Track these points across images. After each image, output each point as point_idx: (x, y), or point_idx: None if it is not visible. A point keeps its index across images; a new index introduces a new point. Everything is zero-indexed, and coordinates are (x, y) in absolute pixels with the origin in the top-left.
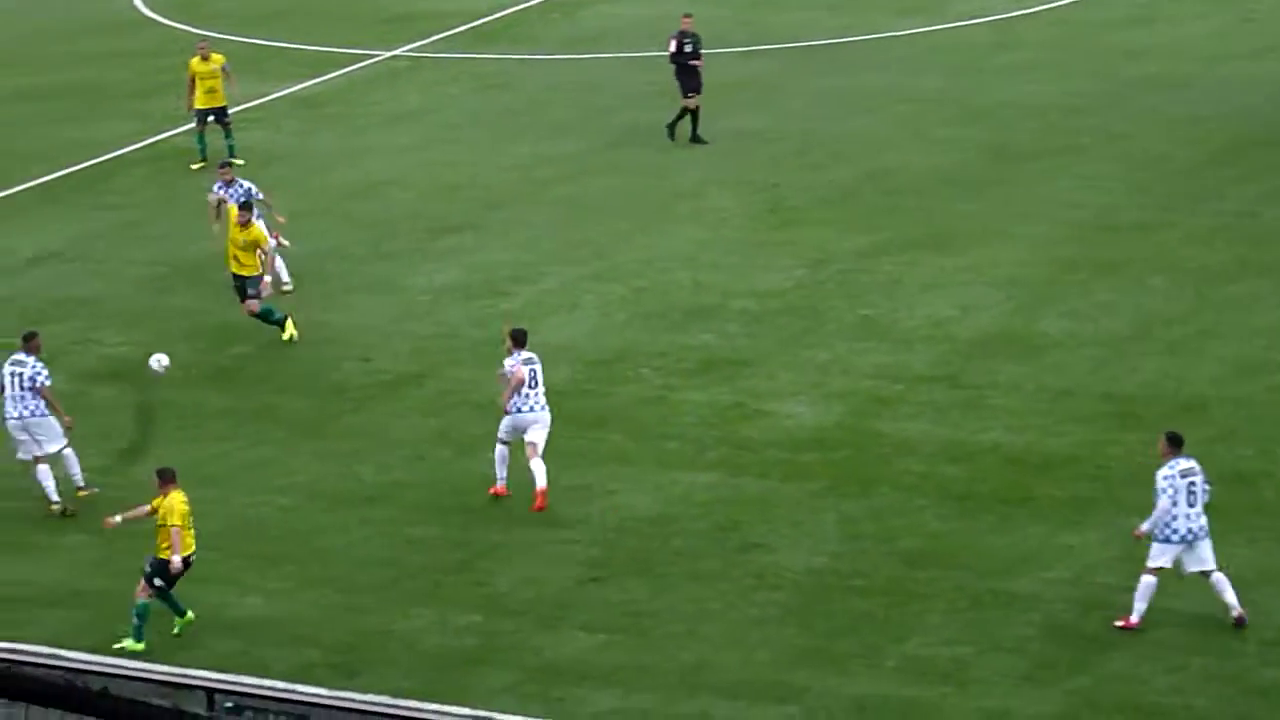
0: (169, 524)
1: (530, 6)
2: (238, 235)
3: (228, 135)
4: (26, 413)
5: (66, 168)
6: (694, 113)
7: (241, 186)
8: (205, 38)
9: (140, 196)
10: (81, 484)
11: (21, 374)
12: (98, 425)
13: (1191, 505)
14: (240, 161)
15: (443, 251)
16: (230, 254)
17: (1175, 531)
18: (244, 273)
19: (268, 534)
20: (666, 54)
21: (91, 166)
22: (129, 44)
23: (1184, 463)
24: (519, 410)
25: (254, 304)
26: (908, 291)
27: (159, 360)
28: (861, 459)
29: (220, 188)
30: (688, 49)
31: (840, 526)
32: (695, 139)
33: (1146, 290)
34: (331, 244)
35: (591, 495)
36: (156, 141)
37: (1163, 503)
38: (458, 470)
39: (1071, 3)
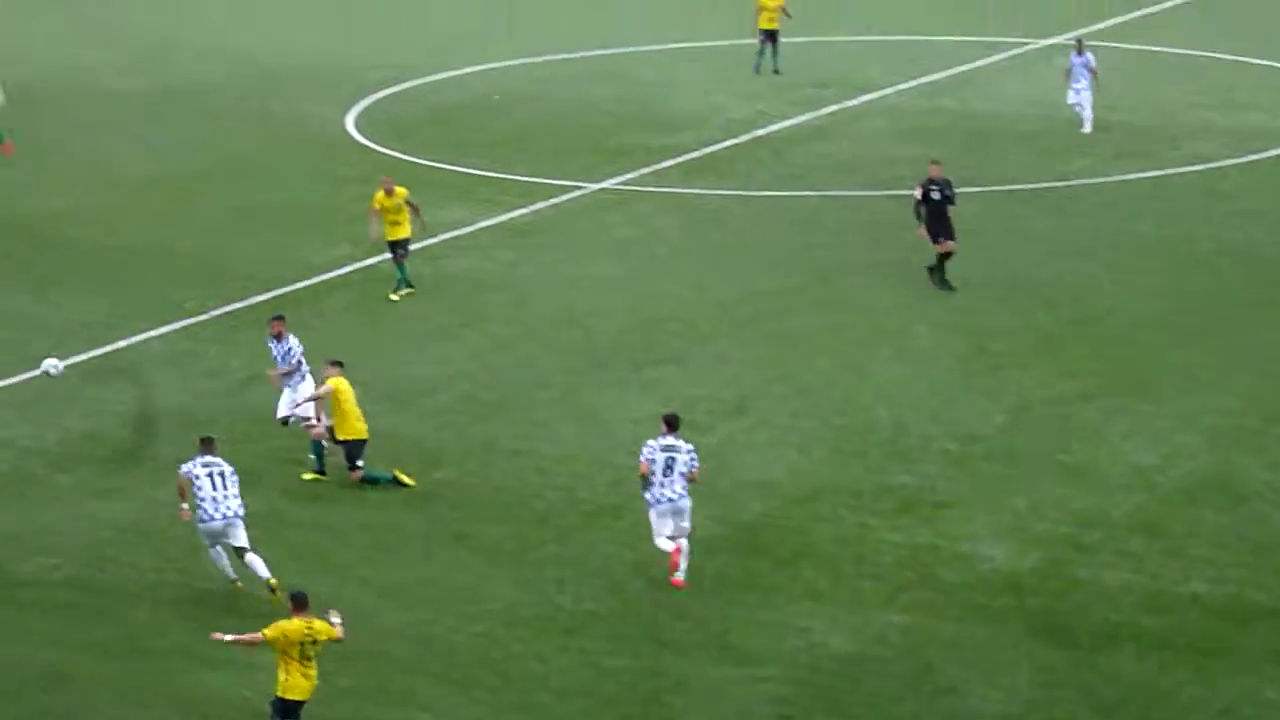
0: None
1: (740, 143)
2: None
3: (400, 267)
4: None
5: (279, 288)
6: (943, 257)
7: (288, 343)
8: (389, 173)
9: (346, 320)
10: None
11: (223, 472)
12: (295, 545)
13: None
14: (410, 289)
15: (645, 383)
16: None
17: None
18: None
19: (461, 659)
20: (913, 197)
21: (303, 288)
22: (341, 168)
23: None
24: (656, 501)
25: (357, 474)
26: (1109, 438)
27: (54, 365)
28: (1058, 606)
29: (270, 342)
30: (934, 195)
31: (1035, 674)
32: (943, 284)
33: None
34: (536, 372)
35: (785, 632)
36: (365, 267)
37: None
38: (651, 602)
39: None
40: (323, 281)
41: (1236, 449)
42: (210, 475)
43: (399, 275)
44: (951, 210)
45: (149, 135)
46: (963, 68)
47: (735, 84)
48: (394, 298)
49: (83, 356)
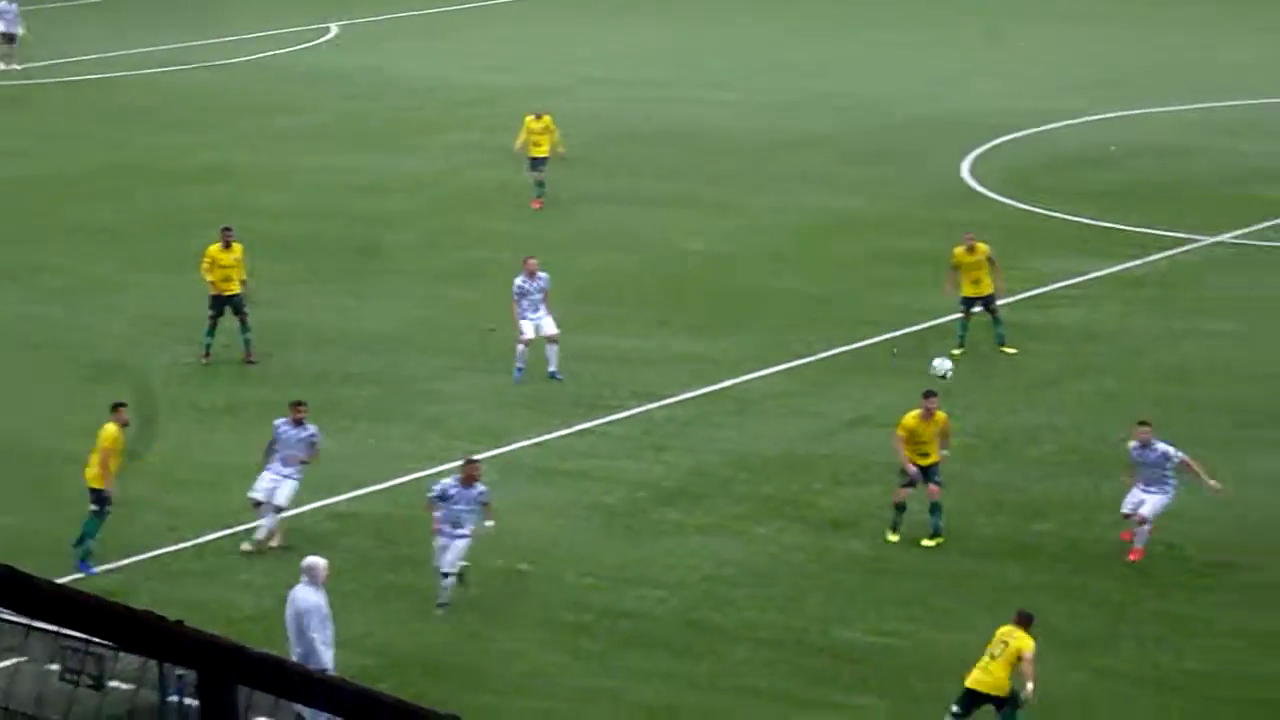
0: None
1: None
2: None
3: (996, 324)
4: None
5: (888, 333)
6: None
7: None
8: (974, 227)
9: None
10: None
11: None
12: (898, 591)
13: None
14: (1012, 350)
15: (1254, 443)
16: None
17: None
18: None
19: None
20: None
21: (911, 334)
22: (957, 215)
23: None
24: None
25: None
26: None
27: (945, 366)
28: None
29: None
30: None
31: None
32: None
33: None
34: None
35: None
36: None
37: None
38: (1251, 664)
39: None
40: (931, 327)
41: None
42: None
43: (961, 331)
44: None
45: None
46: None
47: None
48: (1009, 350)
49: (690, 394)
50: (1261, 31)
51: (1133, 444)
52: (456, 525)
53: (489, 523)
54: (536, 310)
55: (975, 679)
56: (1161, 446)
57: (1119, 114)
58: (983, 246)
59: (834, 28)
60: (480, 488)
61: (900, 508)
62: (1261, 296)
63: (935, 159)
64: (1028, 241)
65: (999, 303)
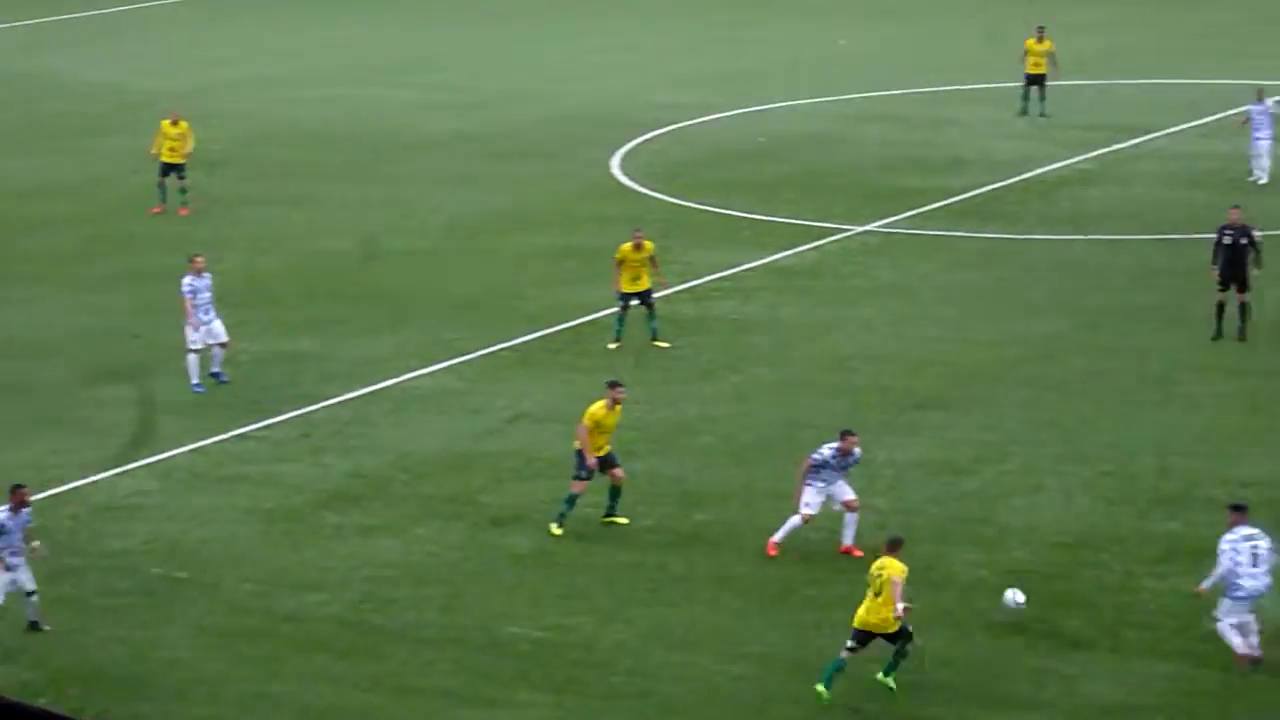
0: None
1: (1007, 185)
2: None
3: (651, 318)
4: None
5: (544, 329)
6: (1240, 307)
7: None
8: (626, 222)
9: (612, 362)
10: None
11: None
12: (559, 586)
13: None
14: (665, 345)
15: (908, 427)
16: None
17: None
18: None
19: (721, 700)
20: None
21: (567, 329)
22: (607, 210)
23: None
24: (1239, 595)
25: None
26: None
27: (1015, 598)
28: None
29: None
30: (1226, 240)
31: None
32: (1238, 333)
33: None
34: (801, 414)
35: (1046, 679)
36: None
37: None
38: (913, 647)
39: None
40: (589, 322)
41: None
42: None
43: (618, 327)
44: (1258, 258)
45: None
46: (1235, 110)
47: (1003, 126)
48: (662, 344)
49: (349, 395)
50: (883, 17)
51: (829, 448)
52: (17, 554)
53: (35, 543)
54: (208, 312)
55: (862, 619)
56: (858, 451)
57: (758, 109)
58: (649, 245)
59: (451, 22)
60: (26, 512)
61: (571, 501)
62: (907, 284)
63: (583, 156)
64: (680, 235)
65: (655, 297)
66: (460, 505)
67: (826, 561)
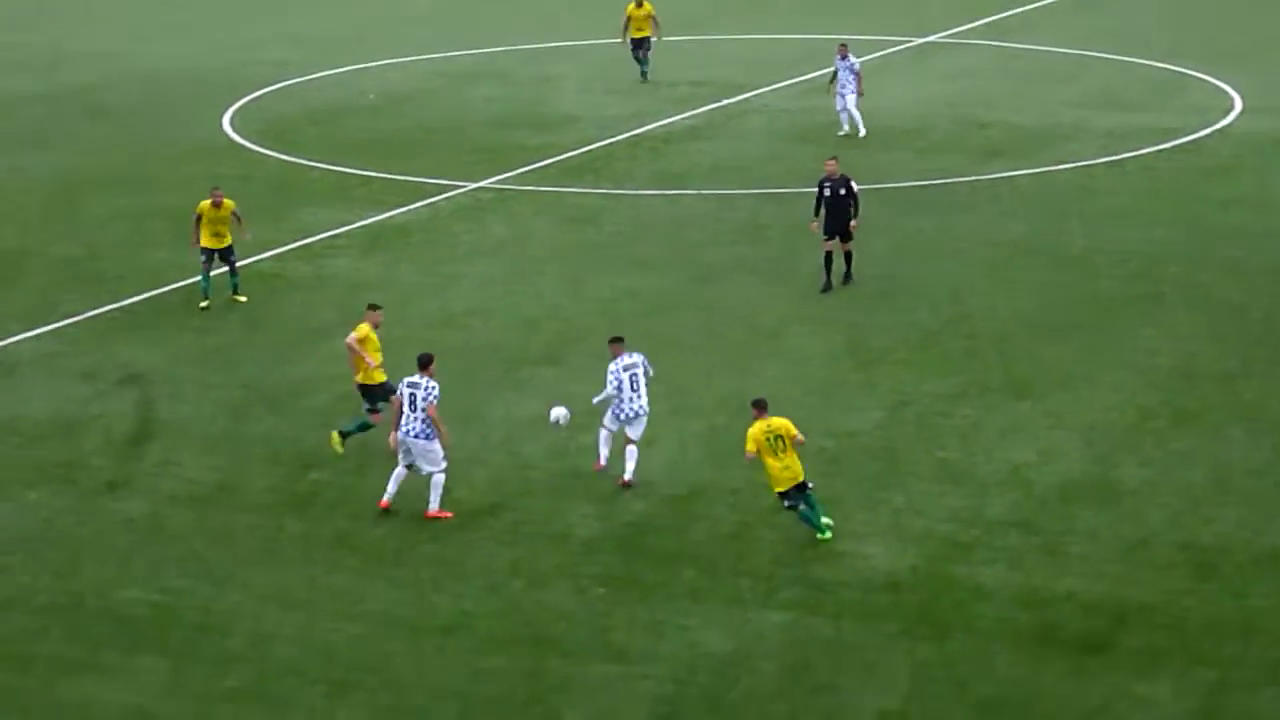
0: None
1: (617, 142)
2: None
3: (233, 275)
4: (413, 434)
5: (154, 289)
6: (845, 256)
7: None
8: (219, 186)
9: (223, 321)
10: (433, 509)
11: (415, 395)
12: (175, 550)
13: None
14: (244, 299)
15: (522, 383)
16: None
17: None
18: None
19: (340, 661)
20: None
21: (177, 289)
22: (221, 169)
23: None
24: (619, 416)
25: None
26: (986, 436)
27: (559, 414)
28: (935, 603)
29: None
30: (826, 192)
31: (913, 671)
32: (837, 283)
33: (1225, 440)
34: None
35: (664, 631)
36: (241, 266)
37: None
38: (530, 601)
39: (1159, 150)
40: (196, 283)
41: (1112, 446)
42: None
43: (204, 284)
44: (856, 209)
45: (34, 139)
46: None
47: (611, 83)
48: (240, 299)
49: None
50: None
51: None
52: None
53: None
54: None
55: (779, 480)
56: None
57: (364, 66)
58: (229, 202)
59: None
60: None
61: (364, 427)
62: (520, 240)
63: (191, 114)
64: (293, 193)
65: (237, 255)
66: (73, 470)
67: (439, 519)
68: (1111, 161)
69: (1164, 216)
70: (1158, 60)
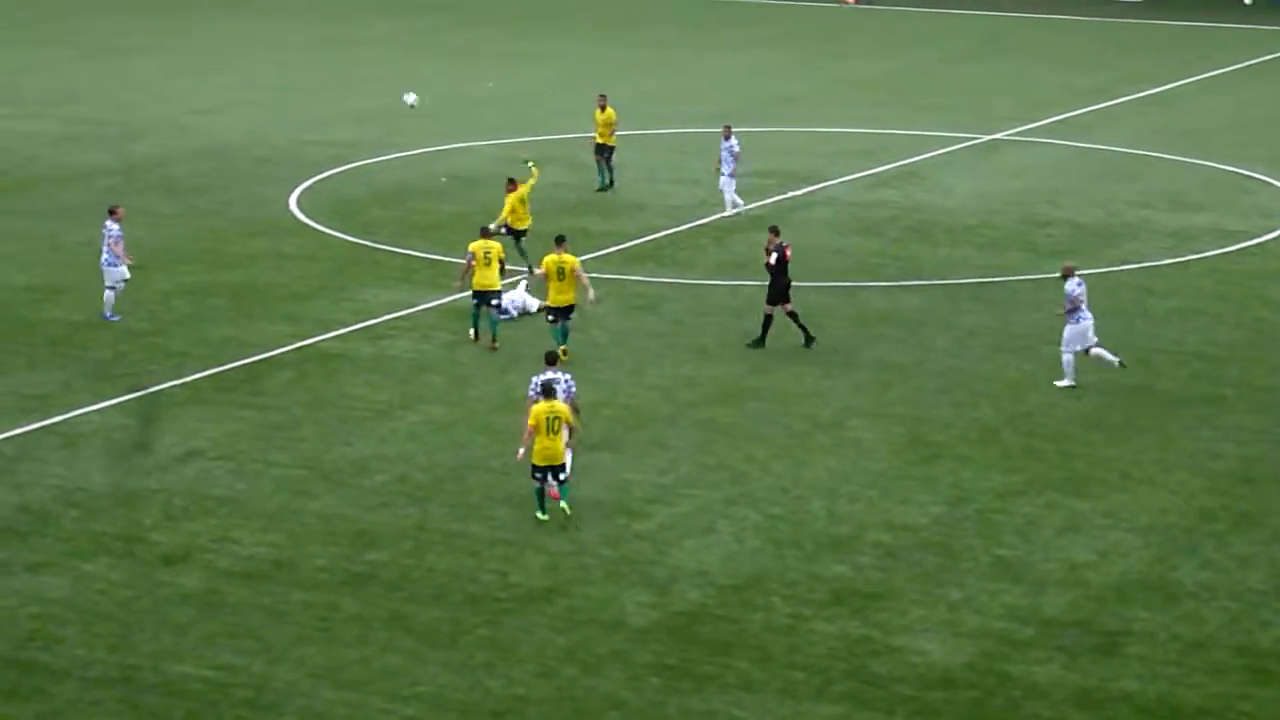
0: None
1: (680, 231)
2: None
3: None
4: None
5: (217, 367)
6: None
7: None
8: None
9: (286, 399)
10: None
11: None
12: (230, 626)
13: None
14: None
15: (580, 469)
16: None
17: None
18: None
19: None
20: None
21: (241, 366)
22: (286, 247)
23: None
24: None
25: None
26: (1044, 534)
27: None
28: (989, 701)
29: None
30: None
31: None
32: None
33: None
34: (474, 455)
35: None
36: (305, 345)
37: None
38: (582, 689)
39: (1223, 253)
40: (265, 359)
41: (1171, 547)
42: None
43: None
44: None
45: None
46: (907, 161)
47: (677, 171)
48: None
49: (19, 430)
50: (524, 60)
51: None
52: None
53: None
54: None
55: (545, 457)
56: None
57: (437, 149)
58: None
59: (84, 54)
60: None
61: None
62: (582, 327)
63: (258, 191)
64: (358, 273)
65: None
66: (130, 543)
67: (494, 603)
68: (1175, 262)
69: (1227, 318)
70: (1222, 162)
